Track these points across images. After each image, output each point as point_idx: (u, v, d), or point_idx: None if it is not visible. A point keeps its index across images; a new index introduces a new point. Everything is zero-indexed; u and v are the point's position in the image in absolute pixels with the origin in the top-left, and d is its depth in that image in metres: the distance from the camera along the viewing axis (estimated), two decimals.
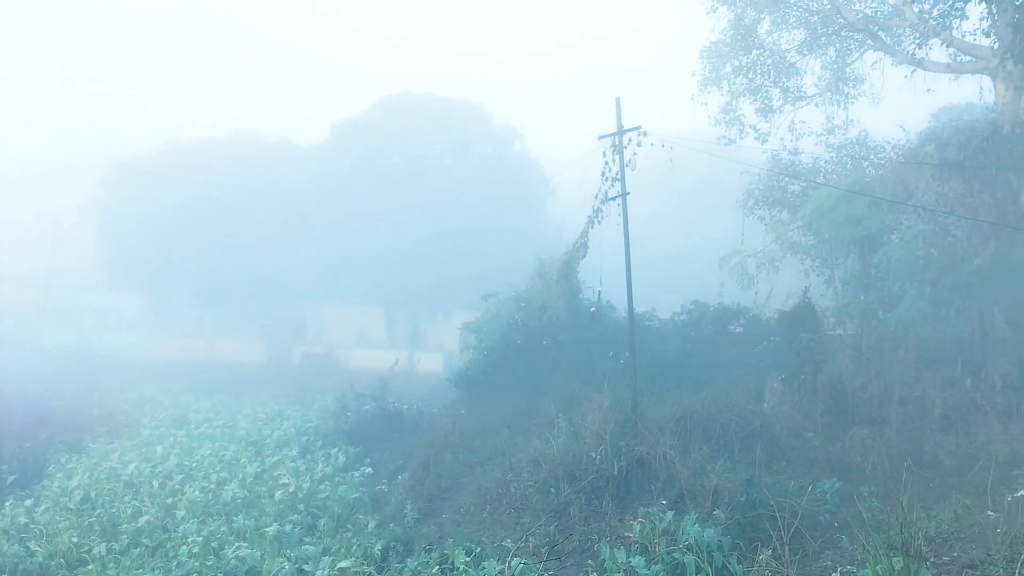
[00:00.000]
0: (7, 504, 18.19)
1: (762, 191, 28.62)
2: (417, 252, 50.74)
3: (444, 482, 19.65)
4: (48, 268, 57.23)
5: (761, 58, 28.87)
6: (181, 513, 17.55)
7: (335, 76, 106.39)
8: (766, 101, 29.39)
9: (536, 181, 56.95)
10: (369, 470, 22.18)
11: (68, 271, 59.93)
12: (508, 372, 27.32)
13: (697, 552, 12.24)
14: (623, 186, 20.63)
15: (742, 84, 29.24)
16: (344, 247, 53.39)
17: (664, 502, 14.81)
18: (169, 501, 18.46)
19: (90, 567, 13.98)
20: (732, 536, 12.91)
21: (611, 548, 12.92)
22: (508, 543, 14.36)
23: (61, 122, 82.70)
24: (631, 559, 12.23)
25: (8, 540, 15.69)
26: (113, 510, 17.61)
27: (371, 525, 16.97)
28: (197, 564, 13.33)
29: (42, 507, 18.14)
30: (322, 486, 20.22)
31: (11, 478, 20.48)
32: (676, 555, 12.30)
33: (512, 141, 57.65)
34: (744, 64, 28.95)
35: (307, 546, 14.56)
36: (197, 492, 18.90)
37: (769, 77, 29.04)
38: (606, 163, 20.91)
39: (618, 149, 20.61)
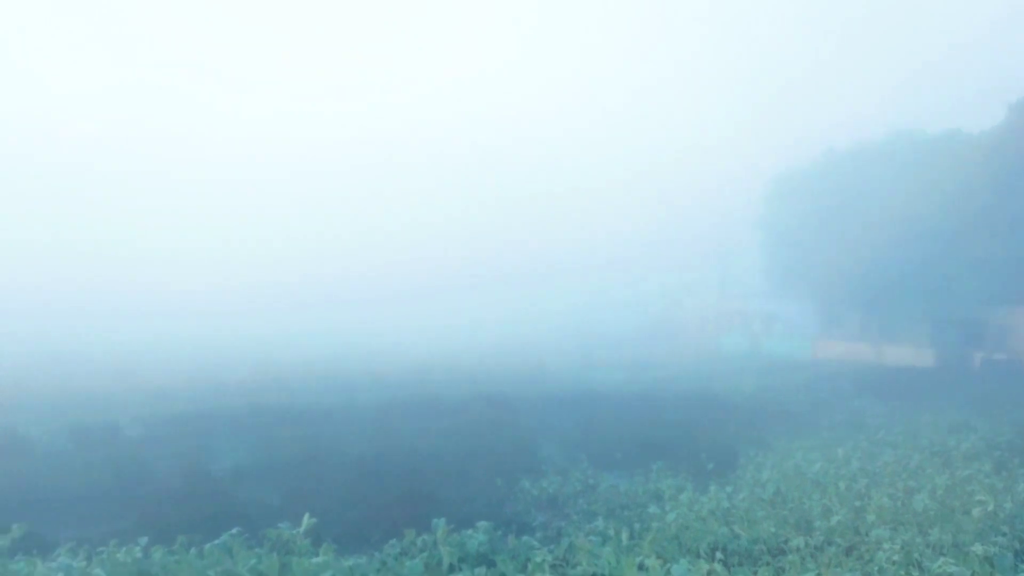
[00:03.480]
0: (711, 489, 20.34)
1: None
2: None
3: None
4: (721, 277, 63.64)
5: None
6: (871, 518, 17.02)
7: None
8: None
9: None
10: None
11: (737, 280, 65.96)
12: None
13: None
14: None
15: None
16: None
17: None
18: (857, 504, 18.13)
19: (790, 557, 14.54)
20: None
21: None
22: None
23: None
24: None
25: (716, 521, 17.46)
26: (804, 506, 18.10)
27: None
28: (902, 573, 12.64)
29: (740, 495, 19.75)
30: None
31: (710, 466, 22.92)
32: None
33: None
34: None
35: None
36: (885, 498, 18.13)
37: None
38: None
39: None
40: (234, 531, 12.25)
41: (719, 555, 11.79)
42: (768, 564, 12.25)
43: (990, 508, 17.87)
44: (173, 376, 41.07)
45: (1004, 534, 16.26)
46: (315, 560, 10.78)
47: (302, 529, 12.60)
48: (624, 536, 13.43)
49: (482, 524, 13.27)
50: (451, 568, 11.40)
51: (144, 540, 12.04)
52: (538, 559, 11.16)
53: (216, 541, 11.92)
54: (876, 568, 13.26)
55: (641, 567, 10.48)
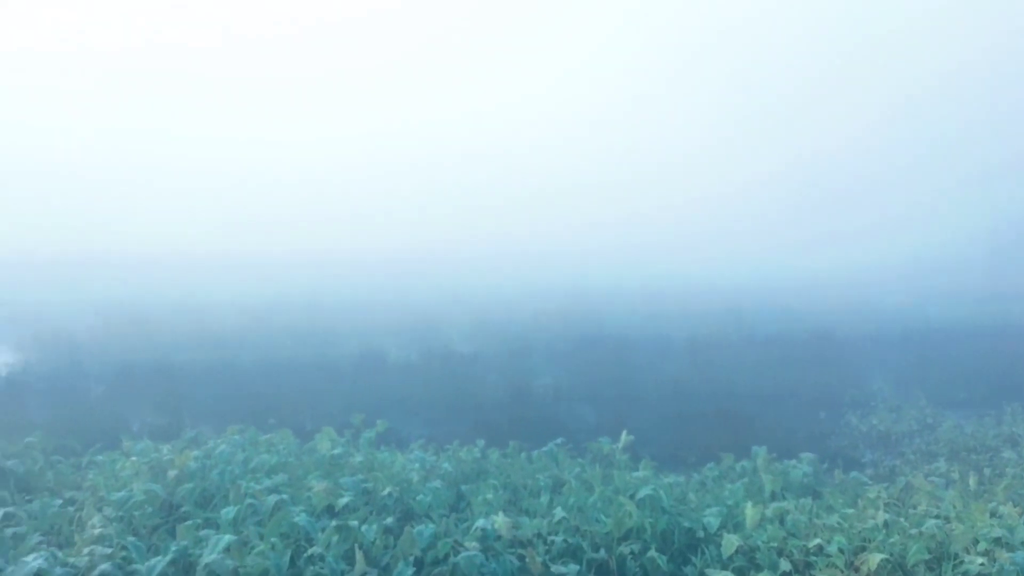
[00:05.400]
0: None
1: None
2: None
3: None
4: None
5: None
6: None
7: None
8: None
9: None
10: None
11: None
12: None
13: None
14: None
15: None
16: None
17: None
18: None
19: None
20: None
21: None
22: None
23: None
24: None
25: None
26: None
27: None
28: None
29: None
30: None
31: None
32: None
33: None
34: None
35: None
36: None
37: None
38: None
39: None
40: (558, 441, 13.05)
41: None
42: None
43: None
44: (499, 303, 44.53)
45: None
46: (635, 474, 11.09)
47: (620, 445, 13.03)
48: (972, 480, 12.00)
49: (806, 456, 12.67)
50: (773, 496, 11.06)
51: (481, 442, 13.32)
52: (871, 495, 10.37)
53: (543, 449, 12.79)
54: None
55: (994, 514, 9.27)
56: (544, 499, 10.18)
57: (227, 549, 7.68)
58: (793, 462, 12.45)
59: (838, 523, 8.91)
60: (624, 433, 13.16)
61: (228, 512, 8.88)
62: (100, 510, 9.47)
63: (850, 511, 9.47)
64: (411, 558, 7.92)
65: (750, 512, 9.19)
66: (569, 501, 9.82)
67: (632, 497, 9.76)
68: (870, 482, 12.15)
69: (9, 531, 8.37)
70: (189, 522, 8.59)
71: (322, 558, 7.83)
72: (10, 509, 9.23)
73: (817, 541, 8.22)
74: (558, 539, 8.50)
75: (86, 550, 7.47)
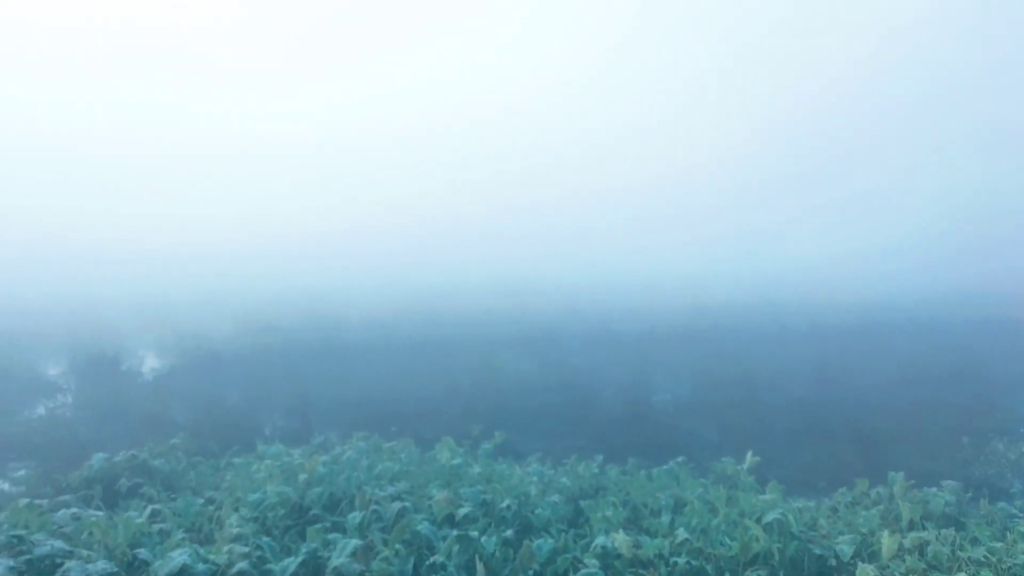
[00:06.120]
0: None
1: None
2: None
3: None
4: None
5: None
6: None
7: None
8: None
9: None
10: None
11: None
12: None
13: None
14: None
15: None
16: None
17: None
18: None
19: None
20: None
21: None
22: None
23: None
24: None
25: None
26: None
27: None
28: None
29: None
30: None
31: None
32: None
33: None
34: None
35: None
36: None
37: None
38: None
39: None
40: (680, 459, 12.75)
41: None
42: None
43: None
44: (613, 314, 44.11)
45: None
46: (762, 497, 10.68)
47: (746, 465, 12.60)
48: None
49: (948, 483, 11.84)
50: (911, 525, 10.38)
51: (599, 458, 13.19)
52: (1022, 528, 9.57)
53: (663, 466, 12.53)
54: None
55: None
56: (665, 519, 9.95)
57: (354, 553, 7.93)
58: (934, 490, 11.65)
59: (985, 557, 8.27)
60: (749, 454, 12.73)
61: (354, 517, 9.16)
62: (237, 510, 9.98)
63: (998, 545, 8.77)
64: (530, 572, 7.92)
65: (887, 541, 8.66)
66: (692, 522, 9.57)
67: (759, 521, 9.41)
68: (1021, 515, 11.22)
69: (156, 527, 8.94)
70: (318, 525, 8.92)
71: (444, 567, 7.95)
72: (157, 506, 9.87)
73: (961, 575, 7.65)
74: (680, 561, 8.28)
75: (225, 548, 7.88)
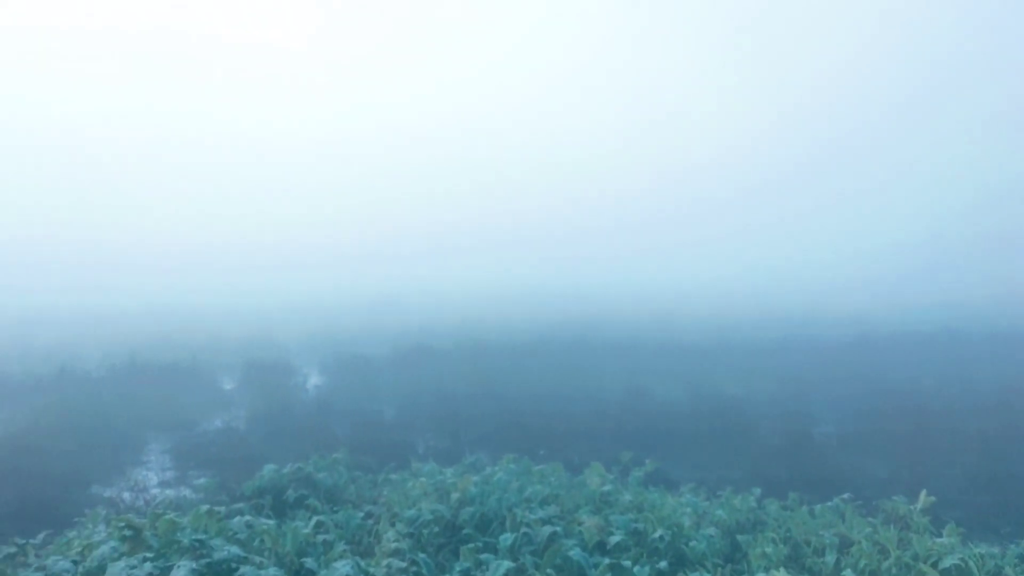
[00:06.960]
0: None
1: None
2: None
3: None
4: None
5: None
6: None
7: None
8: None
9: None
10: None
11: None
12: None
13: None
14: None
15: None
16: None
17: None
18: None
19: None
20: None
21: None
22: None
23: None
24: None
25: None
26: None
27: None
28: None
29: None
30: None
31: None
32: None
33: None
34: None
35: None
36: None
37: None
38: None
39: None
40: (845, 496, 11.98)
41: None
42: None
43: None
44: (772, 343, 42.19)
45: None
46: (939, 540, 9.81)
47: (919, 506, 11.65)
48: None
49: None
50: None
51: (757, 491, 12.60)
52: None
53: (827, 503, 11.81)
54: None
55: None
56: (830, 558, 9.35)
57: (506, 575, 7.97)
58: None
59: None
60: (924, 492, 11.75)
61: (506, 539, 9.22)
62: (393, 525, 10.31)
63: None
64: None
65: None
66: (860, 564, 8.93)
67: (935, 566, 8.65)
68: None
69: (320, 537, 9.39)
70: (471, 545, 9.05)
71: None
72: (321, 518, 10.36)
73: None
74: None
75: (384, 562, 8.14)
